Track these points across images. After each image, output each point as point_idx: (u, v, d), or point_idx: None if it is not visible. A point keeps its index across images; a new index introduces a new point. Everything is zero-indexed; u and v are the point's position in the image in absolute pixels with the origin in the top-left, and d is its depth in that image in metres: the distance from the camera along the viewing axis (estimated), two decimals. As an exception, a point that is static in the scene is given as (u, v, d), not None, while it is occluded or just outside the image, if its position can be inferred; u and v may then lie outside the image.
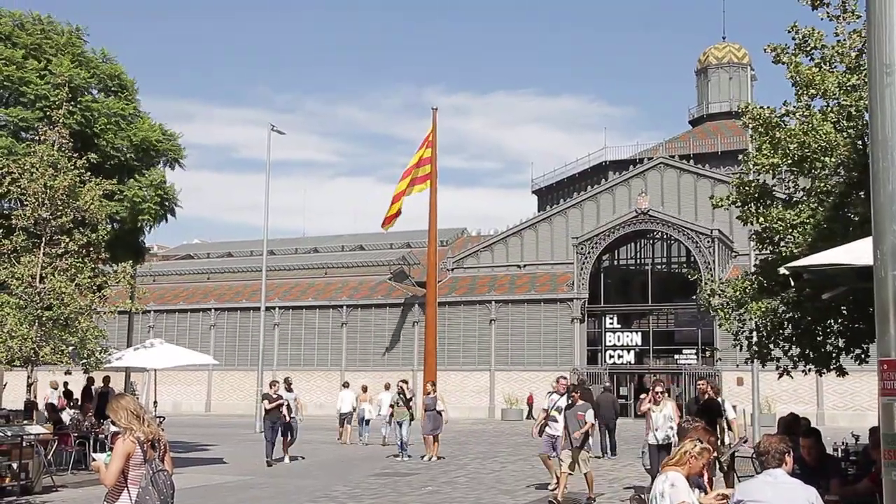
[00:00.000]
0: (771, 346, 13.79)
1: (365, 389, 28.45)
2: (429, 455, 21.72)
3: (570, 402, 14.52)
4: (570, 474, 14.11)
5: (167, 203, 22.32)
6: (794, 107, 12.91)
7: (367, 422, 26.97)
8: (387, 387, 28.27)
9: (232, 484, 17.18)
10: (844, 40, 12.46)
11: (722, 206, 14.46)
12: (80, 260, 17.44)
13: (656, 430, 13.91)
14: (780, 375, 14.29)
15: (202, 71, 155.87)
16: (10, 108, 20.34)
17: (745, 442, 14.13)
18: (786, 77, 12.82)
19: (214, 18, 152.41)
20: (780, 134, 12.51)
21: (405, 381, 24.50)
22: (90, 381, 23.41)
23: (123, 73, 22.83)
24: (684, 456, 6.36)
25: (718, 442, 12.00)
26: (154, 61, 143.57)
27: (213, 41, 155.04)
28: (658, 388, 14.33)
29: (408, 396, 23.42)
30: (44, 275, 16.95)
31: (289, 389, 22.43)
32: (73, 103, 20.02)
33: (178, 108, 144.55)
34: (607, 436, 22.79)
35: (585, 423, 14.12)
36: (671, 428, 13.37)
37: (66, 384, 28.95)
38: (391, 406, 24.28)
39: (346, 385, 29.32)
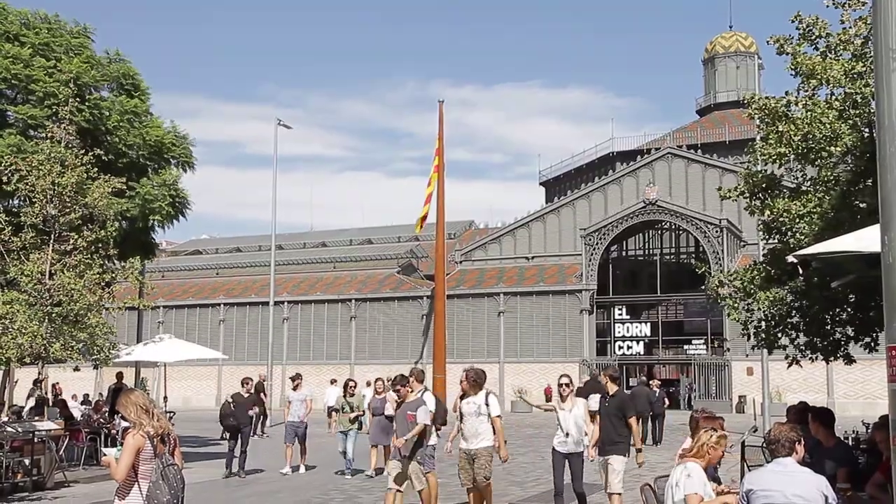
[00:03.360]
0: (779, 334, 13.77)
1: (355, 384, 29.26)
2: (372, 470, 16.94)
3: (398, 399, 11.24)
4: (399, 491, 10.67)
5: (178, 204, 22.24)
6: (798, 97, 12.86)
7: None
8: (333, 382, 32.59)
9: (242, 478, 17.22)
10: (850, 28, 12.39)
11: (730, 197, 14.44)
12: (89, 256, 17.49)
13: (567, 435, 10.98)
14: (789, 365, 14.26)
15: (207, 67, 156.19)
16: (19, 105, 20.37)
17: (754, 431, 14.06)
18: (786, 70, 12.79)
19: (218, 15, 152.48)
20: (784, 127, 12.46)
21: (353, 380, 19.59)
22: (119, 375, 23.59)
23: (137, 74, 22.73)
24: (703, 448, 6.36)
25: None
26: (158, 58, 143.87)
27: (217, 37, 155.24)
28: (563, 381, 11.28)
29: (359, 412, 18.40)
30: (53, 271, 16.99)
31: (295, 388, 18.63)
32: (81, 101, 20.01)
33: (183, 105, 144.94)
34: (649, 425, 23.83)
35: (416, 424, 10.53)
36: (586, 434, 11.11)
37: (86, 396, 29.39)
38: (335, 411, 19.68)
39: (332, 382, 33.37)
